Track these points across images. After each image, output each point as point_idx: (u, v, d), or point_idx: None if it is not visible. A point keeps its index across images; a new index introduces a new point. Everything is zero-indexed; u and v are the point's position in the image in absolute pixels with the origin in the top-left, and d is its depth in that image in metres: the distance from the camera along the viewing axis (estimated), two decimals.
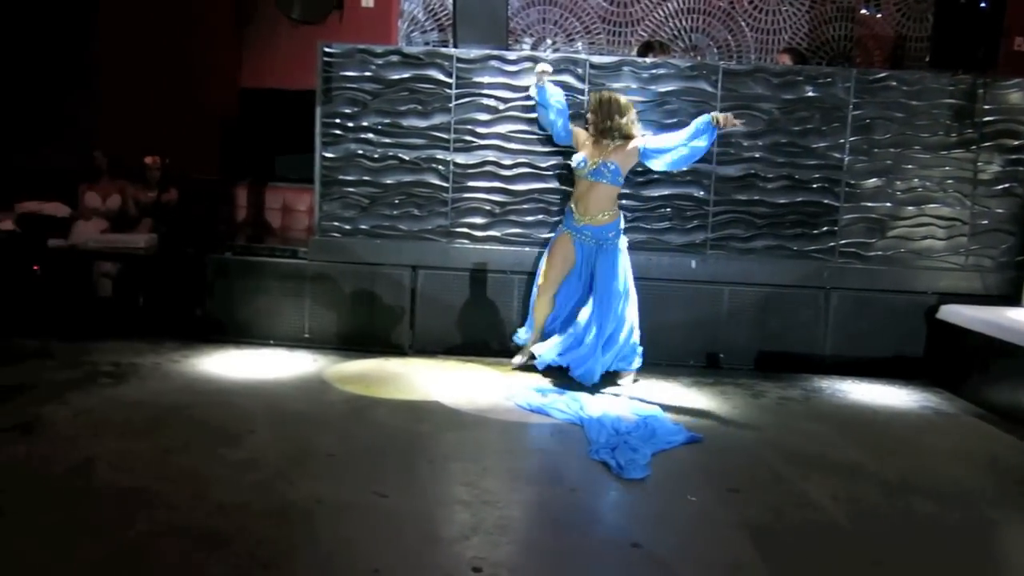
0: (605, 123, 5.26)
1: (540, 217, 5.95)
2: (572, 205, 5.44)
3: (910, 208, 5.92)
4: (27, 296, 6.32)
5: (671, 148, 5.31)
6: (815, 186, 5.91)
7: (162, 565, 2.83)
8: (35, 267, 6.47)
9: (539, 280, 5.54)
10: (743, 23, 8.28)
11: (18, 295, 6.29)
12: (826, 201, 5.91)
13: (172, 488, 3.42)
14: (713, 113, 5.28)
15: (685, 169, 5.63)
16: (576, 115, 5.73)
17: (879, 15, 8.16)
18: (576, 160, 5.35)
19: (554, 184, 5.92)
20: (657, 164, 5.41)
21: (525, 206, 5.96)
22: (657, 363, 5.84)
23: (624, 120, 5.28)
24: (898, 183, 5.90)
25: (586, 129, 5.49)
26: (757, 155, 5.89)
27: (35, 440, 3.93)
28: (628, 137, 5.30)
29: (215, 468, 3.67)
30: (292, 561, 2.90)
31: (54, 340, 5.74)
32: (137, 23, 7.99)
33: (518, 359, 5.66)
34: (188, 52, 7.98)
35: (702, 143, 5.28)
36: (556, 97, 5.60)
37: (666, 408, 4.86)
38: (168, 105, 7.83)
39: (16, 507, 3.20)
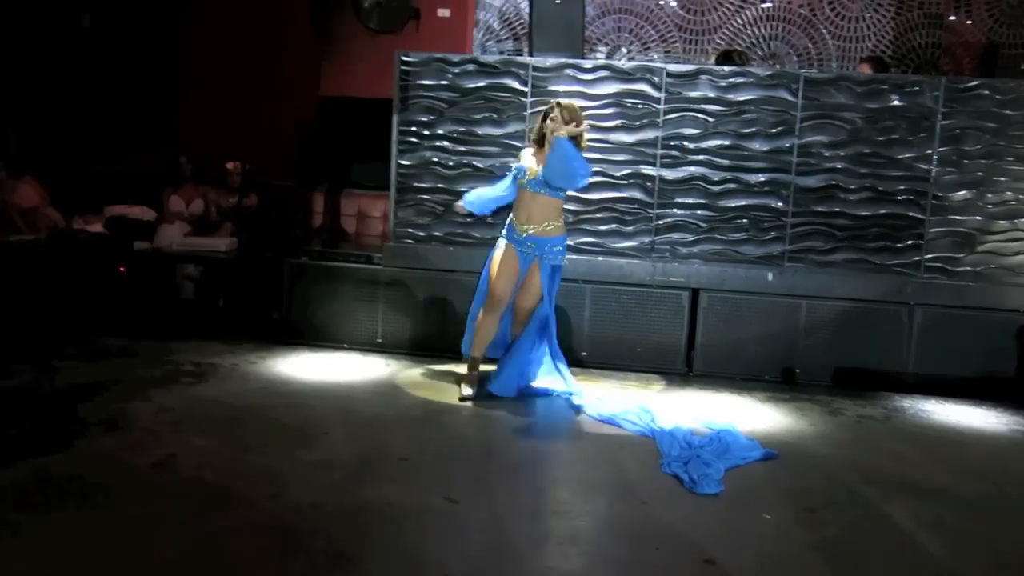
0: (579, 132, 4.90)
1: (613, 226, 5.92)
2: (513, 217, 5.10)
3: (1002, 222, 5.70)
4: (114, 296, 6.54)
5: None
6: (900, 198, 5.74)
7: (240, 560, 2.89)
8: (121, 268, 6.69)
9: (486, 299, 5.09)
10: (824, 30, 8.12)
11: (105, 295, 6.50)
12: (911, 214, 5.74)
13: (250, 486, 3.49)
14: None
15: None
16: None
17: (969, 21, 7.91)
18: (515, 169, 5.07)
19: (628, 193, 5.87)
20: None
21: (598, 215, 5.94)
22: (731, 377, 5.76)
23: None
24: (989, 196, 5.69)
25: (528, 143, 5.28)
26: (838, 166, 5.75)
27: (120, 435, 4.05)
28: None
29: (291, 468, 3.73)
30: (364, 561, 2.92)
31: (139, 339, 5.92)
32: (222, 33, 8.22)
33: (468, 390, 5.05)
34: (270, 61, 8.17)
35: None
36: (486, 196, 5.37)
37: (740, 423, 4.76)
38: (250, 112, 8.03)
39: (102, 498, 3.31)
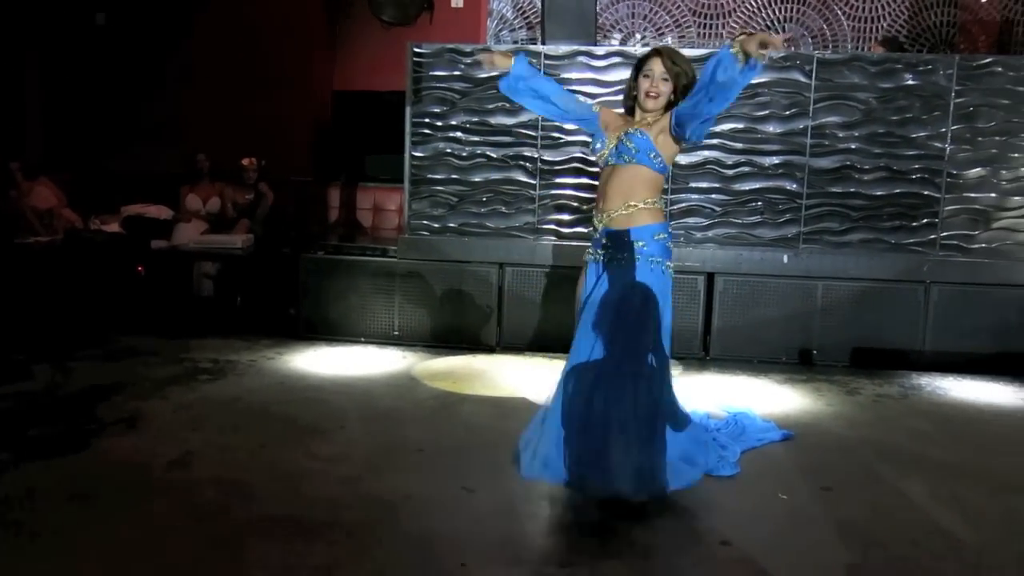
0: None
1: None
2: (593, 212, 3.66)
3: (1016, 198, 5.66)
4: (132, 296, 6.60)
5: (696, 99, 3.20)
6: (914, 177, 5.70)
7: (257, 554, 2.91)
8: (139, 268, 6.74)
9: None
10: (839, 11, 8.06)
11: (123, 295, 6.57)
12: (926, 192, 5.70)
13: (267, 481, 3.52)
14: (737, 43, 3.00)
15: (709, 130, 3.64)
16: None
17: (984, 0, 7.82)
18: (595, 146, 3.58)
19: None
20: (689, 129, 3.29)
21: None
22: (748, 360, 5.75)
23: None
24: (1004, 172, 5.65)
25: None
26: (853, 146, 5.71)
27: (138, 433, 4.09)
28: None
29: (308, 462, 3.76)
30: (381, 550, 2.94)
31: (157, 338, 5.97)
32: (234, 29, 8.27)
33: None
34: (284, 56, 8.21)
35: (727, 80, 3.04)
36: (543, 87, 3.65)
37: (757, 406, 4.75)
38: (264, 108, 8.08)
39: (120, 497, 3.34)
